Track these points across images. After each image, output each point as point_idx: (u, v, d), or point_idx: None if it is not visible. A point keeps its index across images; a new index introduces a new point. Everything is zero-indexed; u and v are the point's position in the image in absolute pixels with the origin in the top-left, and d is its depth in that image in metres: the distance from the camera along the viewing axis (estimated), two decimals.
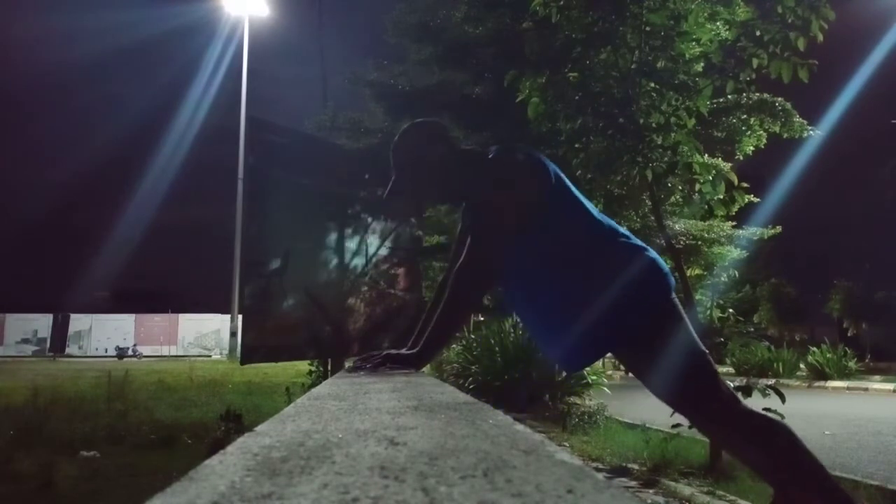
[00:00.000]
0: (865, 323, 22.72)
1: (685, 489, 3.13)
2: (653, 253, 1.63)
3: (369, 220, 4.68)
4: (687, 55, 3.63)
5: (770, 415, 1.75)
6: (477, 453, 0.44)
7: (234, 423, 4.43)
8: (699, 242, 7.68)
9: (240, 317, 8.74)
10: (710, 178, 3.51)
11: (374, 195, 4.58)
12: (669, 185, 3.84)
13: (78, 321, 31.66)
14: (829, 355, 12.94)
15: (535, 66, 3.85)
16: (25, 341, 30.88)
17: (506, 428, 0.56)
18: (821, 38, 3.13)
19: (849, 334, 22.23)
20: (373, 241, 4.68)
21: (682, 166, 3.52)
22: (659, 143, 3.53)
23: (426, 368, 2.13)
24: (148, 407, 6.46)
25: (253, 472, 0.40)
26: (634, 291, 1.55)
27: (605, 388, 6.69)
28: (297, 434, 0.54)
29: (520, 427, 0.56)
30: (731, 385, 3.17)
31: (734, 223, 8.16)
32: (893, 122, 23.47)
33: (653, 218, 4.71)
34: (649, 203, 4.07)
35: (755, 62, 3.27)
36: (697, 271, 8.22)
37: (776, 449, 1.51)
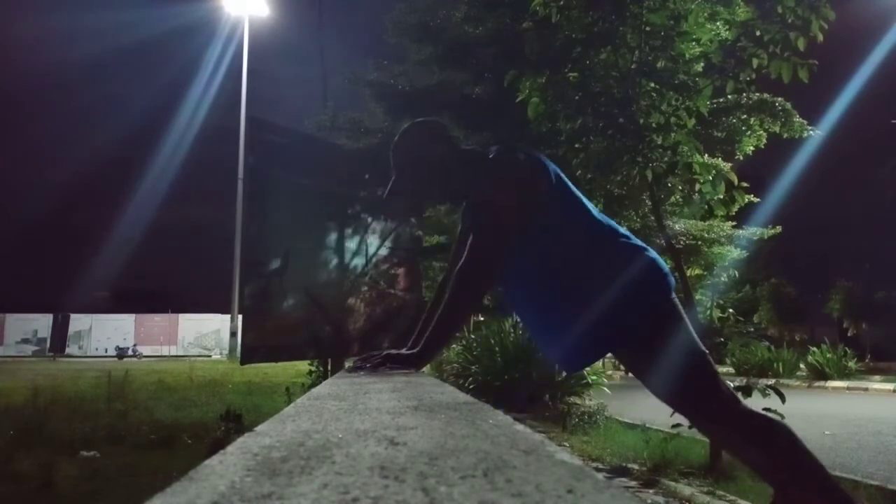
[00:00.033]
0: (865, 323, 22.72)
1: (685, 489, 3.13)
2: (653, 253, 1.63)
3: (369, 220, 4.68)
4: (687, 55, 3.63)
5: (770, 415, 1.75)
6: (477, 453, 0.44)
7: (234, 423, 4.43)
8: (699, 242, 7.68)
9: (240, 317, 8.74)
10: (710, 178, 3.51)
11: (374, 195, 4.58)
12: (669, 185, 3.84)
13: (78, 321, 31.67)
14: (829, 355, 12.94)
15: (535, 66, 3.85)
16: (25, 341, 30.89)
17: (506, 428, 0.56)
18: (821, 38, 3.13)
19: (849, 334, 22.23)
20: (373, 241, 4.68)
21: (682, 166, 3.52)
22: (659, 143, 3.53)
23: (426, 368, 2.13)
24: (148, 407, 6.46)
25: (253, 472, 0.40)
26: (635, 291, 1.55)
27: (605, 388, 6.69)
28: (297, 434, 0.54)
29: (520, 427, 0.56)
30: (731, 385, 3.17)
31: (734, 223, 8.16)
32: (893, 122, 23.48)
33: (653, 218, 4.71)
34: (649, 203, 4.07)
35: (755, 62, 3.27)
36: (697, 271, 8.22)
37: (776, 449, 1.51)
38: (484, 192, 1.63)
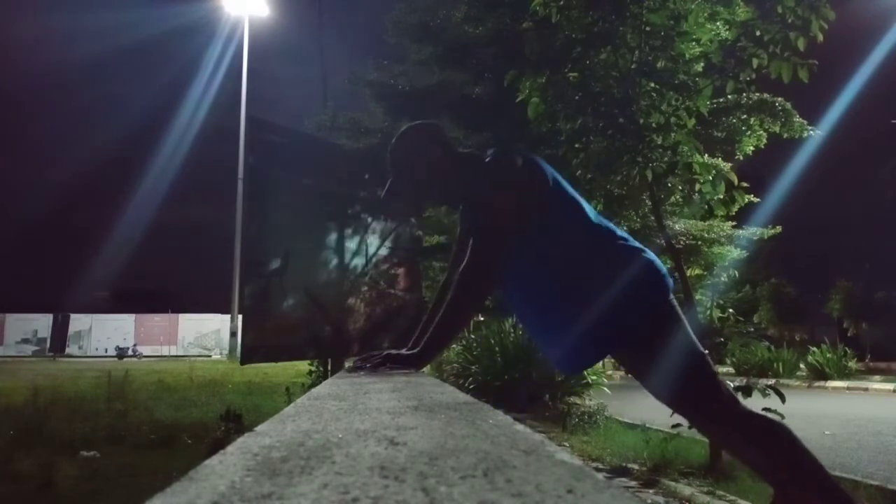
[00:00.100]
0: (865, 323, 22.72)
1: (685, 489, 3.13)
2: (651, 254, 1.64)
3: (369, 220, 4.68)
4: (687, 55, 3.63)
5: (769, 415, 1.75)
6: (477, 453, 0.44)
7: (234, 423, 4.43)
8: (699, 242, 7.67)
9: (240, 317, 8.74)
10: (710, 178, 3.51)
11: (374, 195, 4.58)
12: (669, 185, 3.83)
13: (78, 321, 31.67)
14: (829, 355, 12.94)
15: (535, 66, 3.85)
16: (25, 341, 30.89)
17: (506, 428, 0.56)
18: (821, 38, 3.13)
19: (849, 334, 22.22)
20: (373, 241, 4.68)
21: (682, 166, 3.52)
22: (659, 143, 3.53)
23: (426, 368, 2.13)
24: (148, 407, 6.46)
25: (253, 472, 0.40)
26: (634, 292, 1.55)
27: (605, 388, 6.69)
28: (297, 434, 0.54)
29: (520, 427, 0.56)
30: (731, 385, 3.17)
31: (734, 223, 8.15)
32: (893, 122, 23.49)
33: (653, 218, 4.71)
34: (649, 203, 4.07)
35: (755, 62, 3.27)
36: (697, 271, 8.21)
37: (776, 449, 1.52)
38: (482, 195, 1.63)
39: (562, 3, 3.61)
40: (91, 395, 7.25)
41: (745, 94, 4.91)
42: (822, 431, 5.55)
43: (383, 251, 4.76)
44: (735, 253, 8.79)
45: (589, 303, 1.54)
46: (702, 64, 3.72)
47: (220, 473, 0.40)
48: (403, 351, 1.64)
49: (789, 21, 3.15)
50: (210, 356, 29.20)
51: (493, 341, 6.55)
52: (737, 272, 10.65)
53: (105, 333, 31.62)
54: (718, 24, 3.61)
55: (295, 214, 4.15)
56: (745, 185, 3.56)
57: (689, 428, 2.42)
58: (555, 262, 1.63)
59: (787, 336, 22.50)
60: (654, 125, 3.52)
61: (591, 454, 4.14)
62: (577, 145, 3.87)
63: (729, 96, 4.80)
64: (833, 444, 4.95)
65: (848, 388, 11.55)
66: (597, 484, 0.35)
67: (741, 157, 5.32)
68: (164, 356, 29.24)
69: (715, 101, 4.62)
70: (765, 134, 5.22)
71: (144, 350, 29.73)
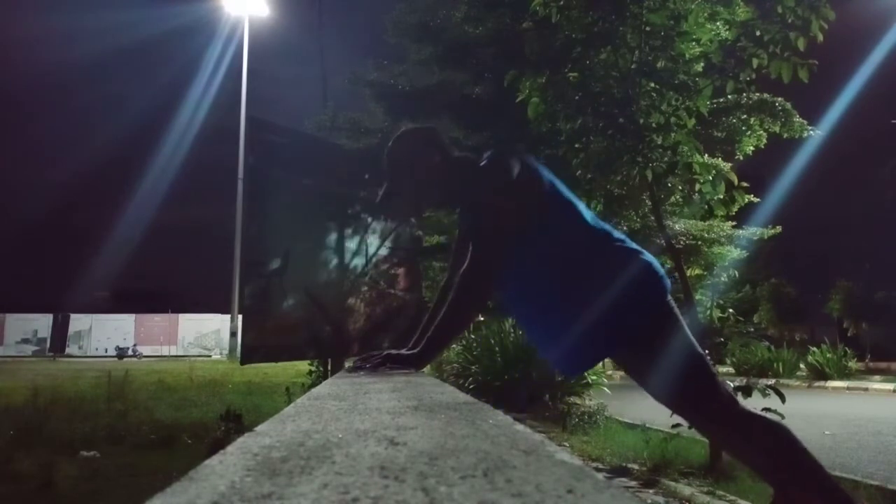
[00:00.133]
0: (865, 323, 22.70)
1: (685, 489, 3.13)
2: (648, 255, 1.64)
3: (369, 220, 4.68)
4: (687, 55, 3.63)
5: (769, 415, 1.75)
6: (477, 453, 0.44)
7: (234, 423, 4.43)
8: (699, 242, 7.66)
9: (240, 317, 8.73)
10: (710, 178, 3.51)
11: (374, 195, 4.57)
12: (669, 185, 3.83)
13: (78, 321, 31.67)
14: (829, 355, 12.94)
15: (535, 66, 3.85)
16: (25, 341, 30.89)
17: (506, 428, 0.56)
18: (821, 38, 3.13)
19: (849, 334, 22.20)
20: (373, 241, 4.68)
21: (682, 166, 3.52)
22: (659, 143, 3.53)
23: (426, 368, 2.13)
24: (148, 407, 6.46)
25: (253, 472, 0.40)
26: (633, 292, 1.56)
27: (605, 388, 6.69)
28: (297, 434, 0.54)
29: (520, 427, 0.56)
30: (732, 385, 3.17)
31: (734, 223, 8.14)
32: (893, 122, 23.48)
33: (653, 218, 4.71)
34: (649, 203, 4.07)
35: (755, 62, 3.27)
36: (697, 271, 8.20)
37: (776, 449, 1.52)
38: (481, 196, 1.64)
39: (562, 3, 3.61)
40: (91, 395, 7.25)
41: (745, 94, 4.90)
42: (822, 431, 5.55)
43: (383, 251, 4.76)
44: (735, 253, 8.79)
45: (588, 304, 1.54)
46: (702, 64, 3.72)
47: (220, 473, 0.40)
48: (403, 351, 1.64)
49: (789, 21, 3.15)
50: (210, 356, 29.20)
51: (493, 341, 6.55)
52: (737, 272, 10.65)
53: (105, 333, 31.61)
54: (718, 24, 3.61)
55: (295, 214, 4.15)
56: (745, 185, 3.56)
57: (689, 428, 2.42)
58: (554, 263, 1.63)
59: (787, 336, 22.49)
60: (654, 125, 3.52)
61: (591, 454, 4.14)
62: (577, 145, 3.86)
63: (729, 96, 4.80)
64: (833, 444, 4.95)
65: (848, 388, 11.55)
66: (597, 484, 0.35)
67: (741, 157, 5.32)
68: (164, 356, 29.24)
69: (715, 101, 4.61)
70: (765, 134, 5.22)
71: (144, 350, 29.72)
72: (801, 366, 13.76)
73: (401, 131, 1.86)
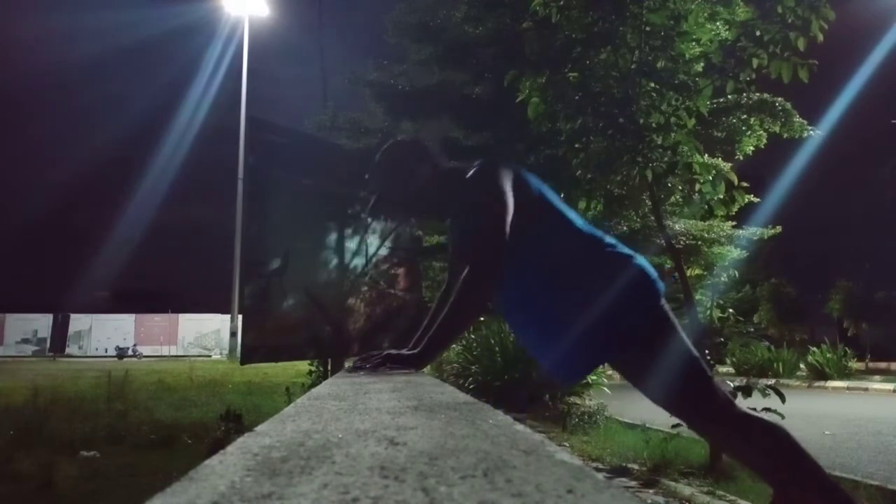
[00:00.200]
0: (865, 323, 22.69)
1: (685, 489, 3.13)
2: (641, 259, 1.66)
3: (369, 220, 4.68)
4: (687, 55, 3.63)
5: (769, 415, 1.76)
6: (477, 453, 0.44)
7: (234, 423, 4.43)
8: (699, 242, 7.66)
9: (240, 317, 8.73)
10: (710, 178, 3.51)
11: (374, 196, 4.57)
12: (669, 185, 3.83)
13: (78, 321, 31.67)
14: (829, 355, 12.94)
15: (535, 66, 3.85)
16: (25, 341, 30.89)
17: (506, 428, 0.56)
18: (821, 38, 3.13)
19: (849, 334, 22.19)
20: (373, 241, 4.68)
21: (682, 166, 3.52)
22: (659, 143, 3.53)
23: (426, 368, 2.14)
24: (148, 407, 6.46)
25: (253, 472, 0.40)
26: (628, 296, 1.57)
27: (605, 388, 6.68)
28: (297, 434, 0.54)
29: (520, 427, 0.56)
30: (731, 385, 3.17)
31: (734, 223, 8.15)
32: (893, 122, 23.49)
33: (653, 218, 4.71)
34: (649, 203, 4.07)
35: (755, 62, 3.27)
36: (697, 271, 8.20)
37: (775, 449, 1.52)
38: (474, 200, 1.65)
39: (562, 3, 3.61)
40: (91, 395, 7.25)
41: (745, 94, 4.91)
42: (822, 431, 5.56)
43: (383, 251, 4.76)
44: (735, 253, 8.79)
45: (582, 310, 1.55)
46: (702, 64, 3.72)
47: (220, 473, 0.40)
48: (404, 351, 1.64)
49: (789, 21, 3.15)
50: (210, 356, 29.20)
51: (493, 341, 6.55)
52: (737, 272, 10.64)
53: (105, 333, 31.61)
54: (718, 24, 3.61)
55: (295, 214, 4.15)
56: (745, 185, 3.56)
57: (689, 428, 2.42)
58: (546, 270, 1.64)
59: (787, 336, 22.47)
60: (654, 125, 3.52)
61: (591, 454, 4.14)
62: (577, 145, 3.87)
63: (729, 96, 4.80)
64: (833, 444, 4.95)
65: (848, 388, 11.55)
66: (597, 484, 0.35)
67: (741, 157, 5.33)
68: (164, 356, 29.24)
69: (715, 101, 4.62)
70: (765, 134, 5.22)
71: (144, 350, 29.72)
72: (801, 366, 13.76)
73: (389, 143, 1.88)
